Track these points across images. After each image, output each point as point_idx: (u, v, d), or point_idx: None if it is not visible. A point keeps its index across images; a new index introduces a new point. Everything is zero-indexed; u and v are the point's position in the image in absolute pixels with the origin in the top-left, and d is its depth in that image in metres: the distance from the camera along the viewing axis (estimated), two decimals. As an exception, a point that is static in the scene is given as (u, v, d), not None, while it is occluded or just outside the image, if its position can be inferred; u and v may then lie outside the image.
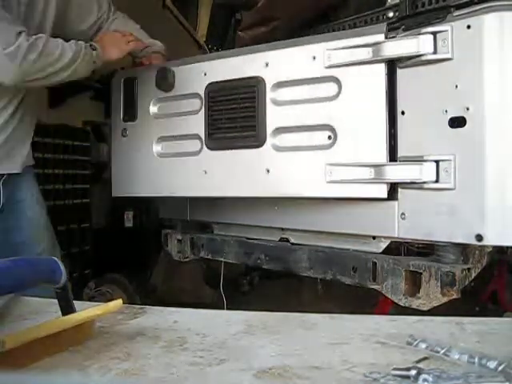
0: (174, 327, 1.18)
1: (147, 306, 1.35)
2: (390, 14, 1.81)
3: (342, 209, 1.79)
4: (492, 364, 0.86)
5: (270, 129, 1.85)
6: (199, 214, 2.39)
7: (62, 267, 1.06)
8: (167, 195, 2.21)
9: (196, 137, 2.06)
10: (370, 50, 1.63)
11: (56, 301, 1.09)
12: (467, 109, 1.48)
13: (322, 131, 1.75)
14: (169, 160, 2.18)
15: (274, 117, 1.85)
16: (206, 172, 2.00)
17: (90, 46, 1.98)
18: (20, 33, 1.77)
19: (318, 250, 1.90)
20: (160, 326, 1.18)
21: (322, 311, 1.27)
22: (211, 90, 2.00)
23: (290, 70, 1.82)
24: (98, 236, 3.63)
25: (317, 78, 1.75)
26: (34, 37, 1.81)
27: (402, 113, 1.63)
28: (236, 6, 3.57)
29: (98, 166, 3.75)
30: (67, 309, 1.08)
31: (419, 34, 1.56)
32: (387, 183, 1.62)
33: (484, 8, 1.46)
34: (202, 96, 2.03)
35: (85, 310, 1.09)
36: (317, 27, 2.16)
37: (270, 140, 1.85)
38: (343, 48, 1.68)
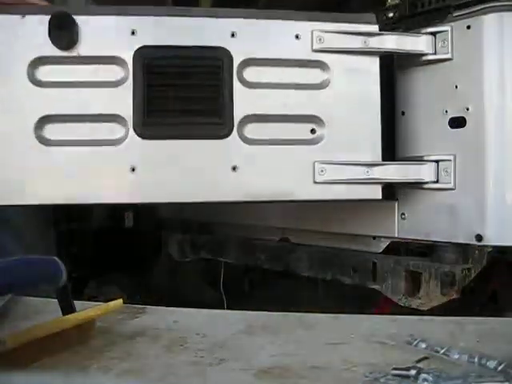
0: (174, 327, 1.18)
1: (147, 306, 1.35)
2: (390, 15, 1.81)
3: (341, 209, 1.79)
4: (492, 364, 0.87)
5: (238, 116, 1.47)
6: (199, 214, 2.39)
7: (62, 267, 1.07)
8: (60, 203, 1.45)
9: (115, 119, 1.44)
10: (367, 39, 1.53)
11: (56, 301, 1.09)
12: (467, 109, 1.48)
13: (305, 123, 1.53)
14: (62, 149, 1.43)
15: (244, 101, 1.48)
16: (133, 169, 1.42)
17: None
18: None
19: (318, 250, 1.90)
20: (160, 326, 1.18)
21: (322, 311, 1.27)
22: (148, 57, 1.44)
23: (265, 47, 1.51)
24: (97, 236, 3.63)
25: (301, 60, 1.51)
26: None
27: (402, 113, 1.64)
28: (236, 5, 3.56)
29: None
30: (67, 309, 1.08)
31: (419, 34, 1.56)
32: (381, 183, 1.56)
33: (484, 8, 1.46)
34: (129, 63, 1.43)
35: (85, 310, 1.09)
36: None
37: (238, 130, 1.47)
38: (337, 32, 1.52)
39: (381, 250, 1.76)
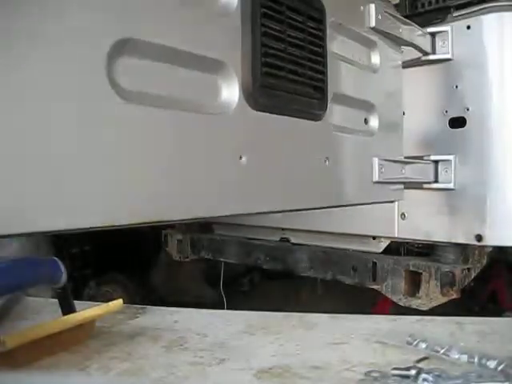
0: (174, 327, 1.18)
1: (147, 306, 1.35)
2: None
3: (342, 209, 1.79)
4: (492, 364, 0.87)
5: (330, 93, 1.14)
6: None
7: (62, 267, 1.07)
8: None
9: (215, 68, 0.89)
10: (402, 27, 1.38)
11: (56, 301, 1.10)
12: (467, 109, 1.48)
13: (361, 110, 1.30)
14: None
15: (333, 74, 1.14)
16: (241, 157, 0.90)
17: None
18: None
19: (318, 250, 1.90)
20: (160, 326, 1.18)
21: (322, 311, 1.27)
22: None
23: (341, 11, 1.19)
24: (98, 236, 3.63)
25: (363, 36, 1.29)
26: None
27: (403, 113, 1.63)
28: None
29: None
30: (67, 309, 1.08)
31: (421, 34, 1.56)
32: (404, 183, 1.45)
33: (483, 8, 1.46)
34: None
35: (85, 310, 1.09)
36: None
37: (329, 112, 1.13)
38: (391, 15, 1.35)
39: (381, 250, 1.76)
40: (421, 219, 1.60)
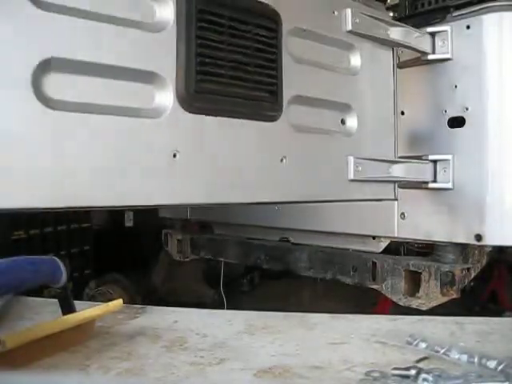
0: (174, 327, 1.18)
1: (147, 306, 1.35)
2: (390, 14, 1.81)
3: (342, 209, 1.79)
4: (492, 363, 0.87)
5: (287, 95, 1.19)
6: (199, 214, 2.39)
7: (62, 267, 1.07)
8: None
9: (150, 79, 0.98)
10: (387, 28, 1.40)
11: (56, 301, 1.10)
12: (466, 109, 1.48)
13: (337, 111, 1.34)
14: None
15: (293, 78, 1.21)
16: (175, 155, 1.00)
17: None
18: None
19: (318, 249, 1.90)
20: (160, 326, 1.18)
21: (322, 311, 1.27)
22: None
23: (309, 18, 1.27)
24: (98, 236, 3.63)
25: (337, 40, 1.33)
26: None
27: (402, 113, 1.64)
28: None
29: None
30: (67, 309, 1.08)
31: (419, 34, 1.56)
32: (394, 182, 1.46)
33: (483, 8, 1.46)
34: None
35: (85, 310, 1.09)
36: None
37: (286, 113, 1.19)
38: (370, 16, 1.38)
39: (381, 250, 1.76)
40: (421, 219, 1.60)
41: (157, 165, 0.97)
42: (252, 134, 1.14)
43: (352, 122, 1.36)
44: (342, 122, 1.35)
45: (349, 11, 1.33)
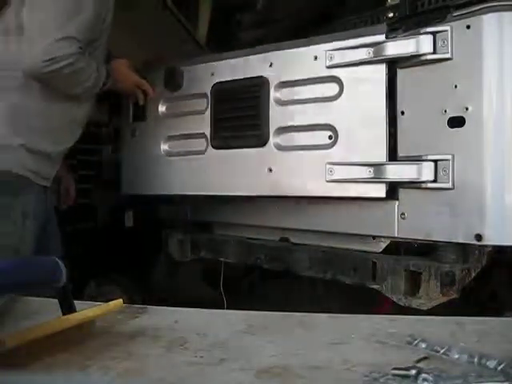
0: (175, 327, 1.18)
1: (148, 306, 1.35)
2: (390, 15, 1.81)
3: (342, 209, 1.79)
4: (492, 363, 0.87)
5: (272, 128, 1.89)
6: (199, 214, 2.39)
7: (62, 267, 1.07)
8: (174, 193, 2.26)
9: (202, 136, 2.11)
10: (370, 50, 1.64)
11: (56, 301, 1.09)
12: (466, 109, 1.48)
13: (323, 131, 1.78)
14: (176, 159, 2.23)
15: (277, 116, 1.89)
16: (209, 171, 2.07)
17: (107, 75, 1.98)
18: (79, 42, 1.79)
19: (318, 249, 1.91)
20: (160, 326, 1.18)
21: (322, 311, 1.27)
22: (217, 90, 2.05)
23: (293, 70, 1.86)
24: (98, 236, 3.63)
25: (319, 77, 1.79)
26: (81, 56, 1.81)
27: (402, 113, 1.64)
28: (236, 7, 3.56)
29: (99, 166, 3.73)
30: (67, 308, 1.08)
31: (419, 34, 1.56)
32: (386, 183, 1.62)
33: (483, 8, 1.46)
34: (209, 95, 2.07)
35: (85, 310, 1.09)
36: (317, 28, 2.16)
37: (272, 139, 1.89)
38: (344, 48, 1.72)
39: (381, 250, 1.76)
40: (421, 219, 1.60)
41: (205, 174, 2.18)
42: (249, 155, 1.98)
43: (336, 137, 1.75)
44: (330, 137, 1.77)
45: (323, 53, 1.76)
